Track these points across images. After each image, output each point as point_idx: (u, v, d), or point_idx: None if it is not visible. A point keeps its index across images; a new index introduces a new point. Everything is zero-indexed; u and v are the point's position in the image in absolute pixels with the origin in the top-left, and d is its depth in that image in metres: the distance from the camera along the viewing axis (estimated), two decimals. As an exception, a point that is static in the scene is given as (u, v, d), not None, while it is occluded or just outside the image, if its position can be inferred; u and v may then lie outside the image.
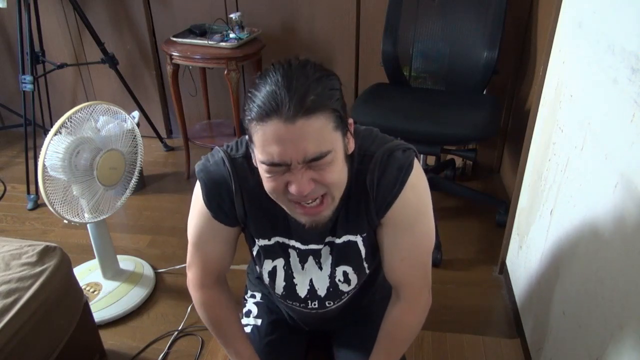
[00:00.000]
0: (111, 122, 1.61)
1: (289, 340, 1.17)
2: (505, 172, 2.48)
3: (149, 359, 1.58)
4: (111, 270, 1.83)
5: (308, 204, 0.81)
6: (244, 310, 1.22)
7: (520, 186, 1.72)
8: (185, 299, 1.77)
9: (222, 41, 2.19)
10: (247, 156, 0.91)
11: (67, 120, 1.47)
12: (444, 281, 1.86)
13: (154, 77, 2.78)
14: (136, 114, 2.17)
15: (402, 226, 0.92)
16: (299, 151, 0.74)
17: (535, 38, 2.07)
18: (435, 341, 1.59)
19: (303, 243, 0.97)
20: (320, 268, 1.00)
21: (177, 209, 2.33)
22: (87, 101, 1.74)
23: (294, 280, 1.02)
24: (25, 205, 2.37)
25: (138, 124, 1.74)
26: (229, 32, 2.24)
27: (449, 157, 2.49)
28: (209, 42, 2.18)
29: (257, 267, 1.04)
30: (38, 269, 1.25)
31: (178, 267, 1.94)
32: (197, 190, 0.95)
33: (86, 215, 1.62)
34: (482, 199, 2.32)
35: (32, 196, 2.36)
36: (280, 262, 1.00)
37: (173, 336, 1.65)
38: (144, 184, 2.52)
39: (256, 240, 0.99)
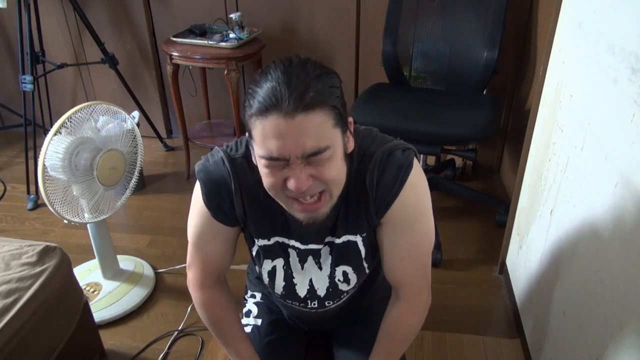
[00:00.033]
0: (111, 122, 1.61)
1: (289, 340, 1.17)
2: (505, 172, 2.48)
3: (149, 359, 1.58)
4: (111, 270, 1.83)
5: (306, 200, 0.81)
6: (244, 310, 1.22)
7: (520, 186, 1.72)
8: (185, 299, 1.77)
9: (222, 41, 2.19)
10: (247, 156, 0.91)
11: (67, 120, 1.47)
12: (444, 281, 1.86)
13: (154, 77, 2.78)
14: (136, 114, 2.17)
15: (401, 226, 0.92)
16: (298, 146, 0.74)
17: (535, 38, 2.07)
18: (435, 341, 1.59)
19: (303, 243, 0.97)
20: (320, 268, 1.00)
21: (177, 209, 2.33)
22: (87, 101, 1.74)
23: (294, 280, 1.02)
24: (25, 205, 2.37)
25: (138, 124, 1.74)
26: (229, 32, 2.24)
27: (449, 157, 2.49)
28: (209, 42, 2.18)
29: (257, 267, 1.04)
30: (38, 269, 1.25)
31: (178, 267, 1.94)
32: (197, 190, 0.95)
33: (86, 215, 1.62)
34: (482, 199, 2.32)
35: (32, 196, 2.36)
36: (279, 262, 1.00)
37: (173, 336, 1.65)
38: (144, 184, 2.52)
39: (255, 240, 0.99)
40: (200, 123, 2.73)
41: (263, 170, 0.81)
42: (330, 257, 0.98)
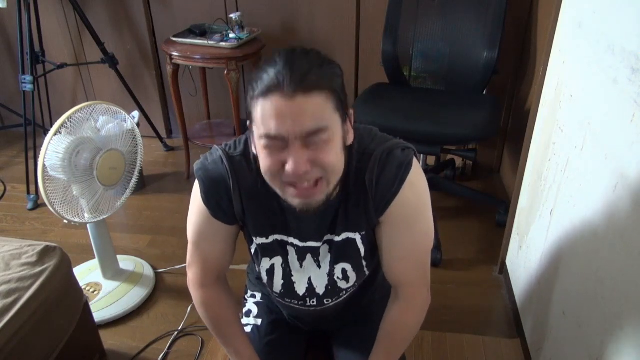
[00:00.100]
0: (111, 122, 1.61)
1: (289, 340, 1.17)
2: (505, 172, 2.48)
3: (149, 359, 1.58)
4: (111, 270, 1.83)
5: (302, 185, 0.81)
6: (244, 310, 1.22)
7: (520, 186, 1.72)
8: (185, 299, 1.77)
9: (222, 41, 2.19)
10: (246, 154, 0.92)
11: (67, 120, 1.47)
12: (444, 281, 1.86)
13: (154, 77, 2.78)
14: (136, 114, 2.17)
15: (401, 225, 0.92)
16: (297, 125, 0.75)
17: (535, 38, 2.07)
18: (435, 341, 1.59)
19: (301, 240, 0.97)
20: (319, 266, 1.00)
21: (177, 209, 2.33)
22: (87, 101, 1.74)
23: (292, 278, 1.02)
24: (25, 205, 2.37)
25: (138, 124, 1.74)
26: (229, 32, 2.24)
27: (449, 157, 2.49)
28: (209, 42, 2.18)
29: (256, 266, 1.04)
30: (38, 269, 1.25)
31: (178, 267, 1.94)
32: (196, 189, 0.96)
33: (86, 215, 1.62)
34: (482, 199, 2.32)
35: (32, 196, 2.36)
36: (278, 261, 1.00)
37: (173, 336, 1.65)
38: (144, 184, 2.52)
39: (254, 239, 0.99)
40: (200, 123, 2.73)
41: (262, 153, 0.81)
42: (329, 255, 0.98)
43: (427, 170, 2.30)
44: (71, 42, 2.74)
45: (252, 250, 1.02)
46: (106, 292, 1.78)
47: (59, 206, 1.52)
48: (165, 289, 1.86)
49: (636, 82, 0.92)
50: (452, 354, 1.56)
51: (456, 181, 2.47)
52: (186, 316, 1.70)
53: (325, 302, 1.05)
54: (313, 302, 1.04)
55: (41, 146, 1.46)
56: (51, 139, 1.45)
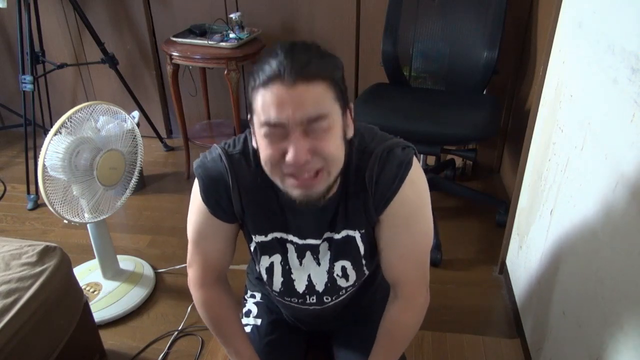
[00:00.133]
0: (111, 122, 1.61)
1: (289, 340, 1.17)
2: (505, 172, 2.48)
3: (149, 359, 1.58)
4: (111, 270, 1.83)
5: (302, 175, 0.80)
6: (244, 310, 1.22)
7: (520, 186, 1.72)
8: (185, 299, 1.77)
9: (222, 41, 2.19)
10: (245, 152, 0.92)
11: (67, 120, 1.47)
12: (444, 281, 1.86)
13: (154, 77, 2.78)
14: (136, 114, 2.17)
15: (400, 223, 0.92)
16: (297, 112, 0.75)
17: (535, 38, 2.07)
18: (435, 341, 1.59)
19: (300, 237, 0.97)
20: (319, 264, 1.00)
21: (177, 209, 2.33)
22: (87, 101, 1.74)
23: (292, 276, 1.02)
24: (25, 205, 2.37)
25: (138, 124, 1.74)
26: (229, 32, 2.24)
27: (449, 157, 2.49)
28: (209, 42, 2.18)
29: (256, 265, 1.04)
30: (38, 269, 1.25)
31: (178, 267, 1.94)
32: (196, 188, 0.96)
33: (86, 215, 1.62)
34: (482, 199, 2.32)
35: (32, 196, 2.36)
36: (277, 258, 1.00)
37: (173, 336, 1.65)
38: (144, 184, 2.52)
39: (253, 237, 0.99)
40: (200, 123, 2.73)
41: (262, 142, 0.80)
42: (329, 253, 0.98)
43: (427, 170, 2.30)
44: (71, 42, 2.74)
45: (252, 249, 1.02)
46: (106, 292, 1.78)
47: (59, 206, 1.52)
48: (165, 289, 1.86)
49: (636, 82, 0.92)
50: (452, 354, 1.56)
51: (456, 181, 2.47)
52: (186, 316, 1.70)
53: (325, 300, 1.05)
54: (313, 299, 1.04)
55: (41, 146, 1.46)
56: (51, 139, 1.45)
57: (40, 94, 2.55)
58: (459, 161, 2.54)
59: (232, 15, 2.24)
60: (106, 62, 2.48)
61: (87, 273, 1.86)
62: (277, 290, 1.04)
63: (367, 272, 1.03)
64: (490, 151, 2.55)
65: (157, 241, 2.12)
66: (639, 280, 0.89)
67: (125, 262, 1.93)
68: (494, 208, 2.20)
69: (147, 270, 1.92)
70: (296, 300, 1.05)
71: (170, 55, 2.22)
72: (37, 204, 2.36)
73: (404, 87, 2.23)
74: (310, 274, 1.01)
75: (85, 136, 1.52)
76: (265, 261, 1.00)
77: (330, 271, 1.00)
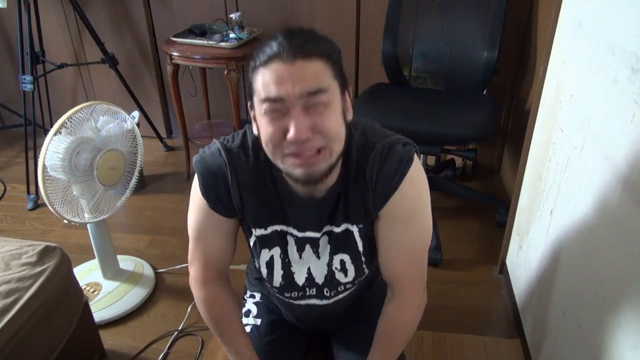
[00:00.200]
0: (111, 122, 1.61)
1: (289, 340, 1.17)
2: (505, 172, 2.48)
3: (149, 359, 1.58)
4: (111, 270, 1.83)
5: (304, 154, 0.80)
6: (244, 310, 1.22)
7: (520, 186, 1.72)
8: (186, 299, 1.77)
9: (222, 41, 2.19)
10: (243, 146, 0.93)
11: (67, 120, 1.47)
12: (444, 281, 1.86)
13: (154, 77, 2.78)
14: (136, 114, 2.17)
15: (399, 220, 0.92)
16: (297, 86, 0.76)
17: (535, 38, 2.07)
18: (435, 341, 1.59)
19: (300, 230, 0.97)
20: (318, 257, 1.00)
21: (177, 209, 2.33)
22: (87, 101, 1.74)
23: (292, 269, 1.02)
24: (25, 205, 2.37)
25: (138, 124, 1.74)
26: (229, 32, 2.24)
27: (449, 157, 2.49)
28: (209, 42, 2.18)
29: (255, 261, 1.04)
30: (38, 269, 1.25)
31: (178, 267, 1.94)
32: (195, 183, 0.96)
33: (86, 215, 1.62)
34: (482, 199, 2.32)
35: (32, 196, 2.36)
36: (277, 252, 1.00)
37: (173, 336, 1.65)
38: (144, 184, 2.52)
39: (253, 231, 0.99)
40: (200, 123, 2.73)
41: (262, 121, 0.81)
42: (329, 247, 0.98)
43: (427, 170, 2.30)
44: (71, 42, 2.74)
45: (251, 243, 1.02)
46: (106, 292, 1.78)
47: (59, 206, 1.52)
48: (165, 289, 1.86)
49: (636, 82, 0.92)
50: (452, 354, 1.56)
51: (456, 181, 2.47)
52: (186, 316, 1.70)
53: (325, 293, 1.04)
54: (312, 291, 1.04)
55: (41, 146, 1.46)
56: (51, 139, 1.45)
57: (40, 94, 2.55)
58: (459, 161, 2.54)
59: (232, 15, 2.24)
60: (106, 62, 2.48)
61: (87, 273, 1.86)
62: (278, 285, 1.04)
63: (366, 271, 1.03)
64: (490, 151, 2.56)
65: (157, 241, 2.12)
66: (639, 280, 0.89)
67: (125, 262, 1.93)
68: (494, 208, 2.20)
69: (147, 270, 1.92)
70: (296, 295, 1.05)
71: (170, 55, 2.22)
72: (37, 204, 2.36)
73: (404, 87, 2.23)
74: (310, 267, 1.01)
75: (85, 136, 1.52)
76: (265, 255, 1.00)
77: (329, 264, 1.00)
